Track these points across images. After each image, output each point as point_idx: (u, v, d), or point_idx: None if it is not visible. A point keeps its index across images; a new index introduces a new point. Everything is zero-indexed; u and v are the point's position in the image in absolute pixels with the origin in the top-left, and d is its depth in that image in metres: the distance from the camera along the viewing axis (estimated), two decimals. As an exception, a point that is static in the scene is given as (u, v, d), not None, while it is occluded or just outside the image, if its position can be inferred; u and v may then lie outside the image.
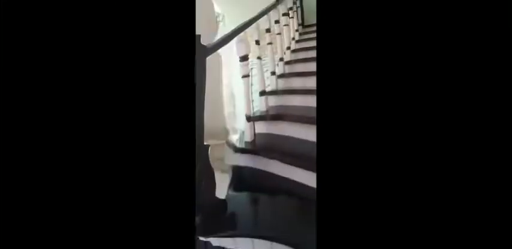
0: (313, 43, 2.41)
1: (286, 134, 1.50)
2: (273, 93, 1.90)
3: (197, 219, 0.93)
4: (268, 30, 1.99)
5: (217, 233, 0.91)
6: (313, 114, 1.42)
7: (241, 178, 1.24)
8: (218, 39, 1.32)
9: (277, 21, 2.15)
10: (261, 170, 1.27)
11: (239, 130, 1.68)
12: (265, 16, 1.88)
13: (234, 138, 1.60)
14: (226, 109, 3.32)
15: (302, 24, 3.23)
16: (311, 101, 1.66)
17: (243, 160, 1.36)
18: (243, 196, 1.09)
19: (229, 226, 0.95)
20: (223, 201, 1.08)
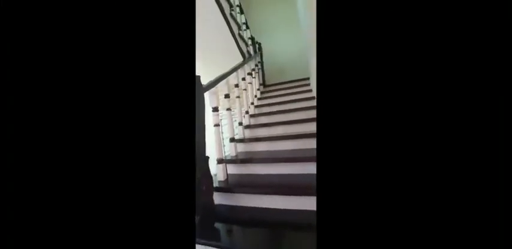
0: (272, 100, 2.93)
1: (254, 172, 1.72)
2: (241, 140, 2.15)
3: (197, 218, 1.13)
4: (236, 85, 2.35)
5: (209, 237, 1.03)
6: (275, 155, 1.75)
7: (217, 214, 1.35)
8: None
9: (244, 79, 2.57)
10: (234, 205, 1.42)
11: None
12: (234, 73, 2.24)
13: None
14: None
15: (263, 83, 3.74)
16: (273, 146, 2.02)
17: (218, 198, 1.48)
18: (220, 226, 1.20)
19: (215, 237, 1.06)
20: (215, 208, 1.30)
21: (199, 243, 1.02)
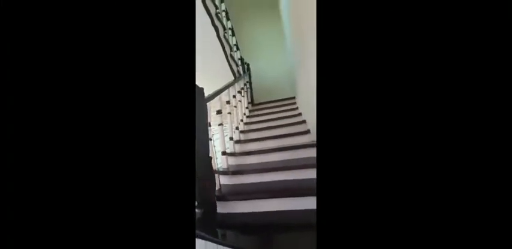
0: (260, 118, 3.16)
1: (244, 182, 1.87)
2: (232, 154, 2.29)
3: (199, 212, 1.26)
4: (228, 102, 2.54)
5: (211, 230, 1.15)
6: (263, 166, 1.92)
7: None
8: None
9: (234, 96, 2.76)
10: (228, 212, 1.54)
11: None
12: (226, 91, 2.42)
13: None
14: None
15: (252, 102, 3.93)
16: (261, 158, 2.22)
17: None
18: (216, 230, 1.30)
19: (215, 232, 1.17)
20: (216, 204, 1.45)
21: (200, 237, 1.12)
